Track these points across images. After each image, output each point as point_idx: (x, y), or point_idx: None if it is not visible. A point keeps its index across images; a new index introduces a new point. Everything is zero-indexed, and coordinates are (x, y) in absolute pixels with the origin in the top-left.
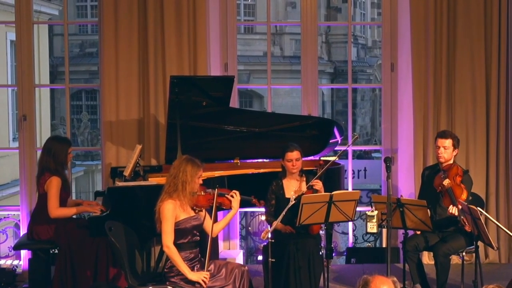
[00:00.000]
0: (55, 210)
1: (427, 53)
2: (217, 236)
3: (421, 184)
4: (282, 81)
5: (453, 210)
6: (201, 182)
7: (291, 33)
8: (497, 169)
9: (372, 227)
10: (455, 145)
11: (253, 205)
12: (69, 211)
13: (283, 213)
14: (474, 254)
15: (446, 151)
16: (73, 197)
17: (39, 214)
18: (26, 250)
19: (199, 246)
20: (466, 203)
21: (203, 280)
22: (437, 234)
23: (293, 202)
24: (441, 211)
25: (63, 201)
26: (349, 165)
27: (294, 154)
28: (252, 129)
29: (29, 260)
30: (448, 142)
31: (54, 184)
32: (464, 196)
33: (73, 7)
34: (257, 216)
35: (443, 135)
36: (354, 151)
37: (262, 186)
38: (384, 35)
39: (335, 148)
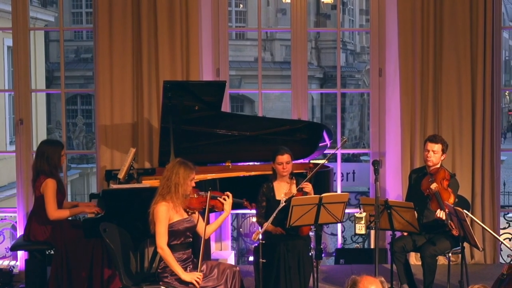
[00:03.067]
0: (54, 212)
1: (414, 59)
2: (209, 238)
3: (408, 187)
4: (273, 86)
5: (440, 214)
6: (193, 184)
7: (282, 39)
8: (483, 171)
9: (360, 228)
10: (444, 150)
11: (245, 208)
12: (67, 213)
13: (274, 214)
14: (460, 255)
15: (435, 155)
16: (69, 199)
17: (35, 216)
18: (23, 251)
19: (192, 247)
20: (452, 205)
21: (196, 281)
22: (424, 235)
23: (284, 204)
24: (429, 213)
25: (59, 203)
26: (338, 168)
27: (284, 157)
28: (243, 133)
29: (26, 260)
30: (437, 147)
31: (50, 187)
32: (451, 200)
33: (69, 13)
34: (248, 218)
35: (433, 139)
36: (342, 154)
37: (253, 189)
38: (372, 41)
39: (324, 152)
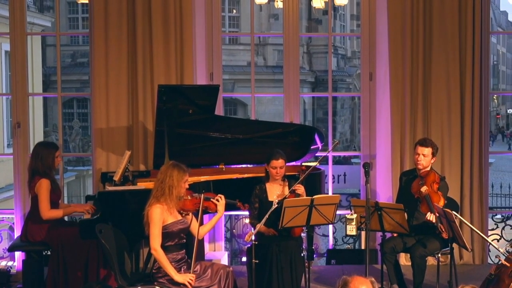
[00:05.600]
0: (47, 212)
1: (404, 63)
2: (203, 238)
3: (399, 189)
4: (265, 90)
5: (430, 217)
6: (187, 186)
7: (274, 44)
8: (472, 174)
9: (351, 229)
10: (434, 154)
11: (238, 209)
12: (61, 213)
13: (266, 216)
14: (449, 256)
15: (425, 158)
16: (65, 201)
17: (32, 216)
18: (20, 252)
19: (185, 247)
20: (442, 208)
21: (188, 282)
22: (413, 236)
23: (276, 205)
24: (419, 215)
25: (54, 203)
26: (330, 170)
27: (279, 162)
28: (236, 136)
29: (23, 261)
30: (427, 151)
31: (43, 187)
32: (441, 203)
33: (65, 19)
34: (241, 219)
35: (423, 143)
36: (334, 157)
37: (246, 190)
38: (363, 46)
39: (316, 154)
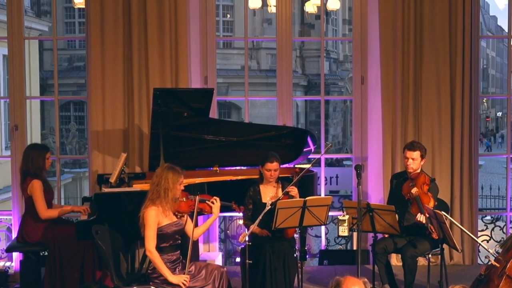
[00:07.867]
0: (45, 212)
1: (395, 67)
2: (197, 239)
3: (390, 191)
4: (259, 93)
5: (421, 218)
6: (182, 188)
7: (267, 48)
8: (461, 175)
9: (343, 230)
10: (423, 156)
11: (233, 210)
12: (56, 213)
13: (260, 217)
14: (439, 256)
15: (415, 162)
16: (62, 203)
17: (27, 217)
18: (18, 252)
19: (180, 248)
20: (432, 209)
21: (183, 283)
22: (404, 237)
23: (270, 207)
24: (409, 217)
25: (48, 202)
26: (322, 172)
27: (273, 165)
28: (230, 139)
29: (21, 261)
30: (416, 154)
31: (36, 187)
32: (431, 204)
33: (62, 23)
34: (235, 220)
35: (411, 147)
36: (326, 159)
37: (239, 192)
38: (355, 50)
39: (309, 156)
